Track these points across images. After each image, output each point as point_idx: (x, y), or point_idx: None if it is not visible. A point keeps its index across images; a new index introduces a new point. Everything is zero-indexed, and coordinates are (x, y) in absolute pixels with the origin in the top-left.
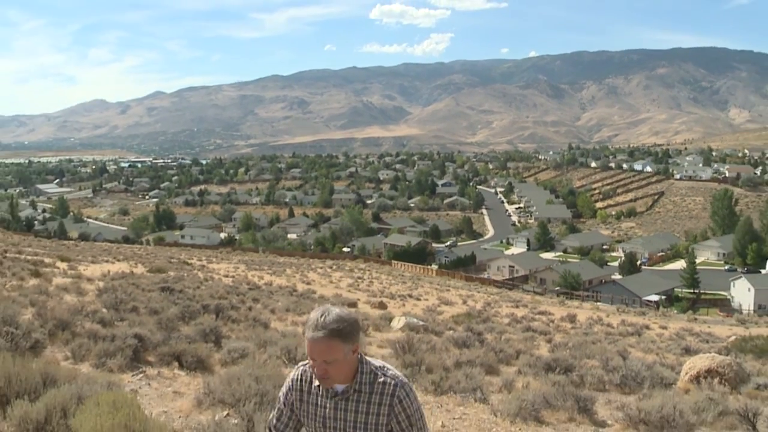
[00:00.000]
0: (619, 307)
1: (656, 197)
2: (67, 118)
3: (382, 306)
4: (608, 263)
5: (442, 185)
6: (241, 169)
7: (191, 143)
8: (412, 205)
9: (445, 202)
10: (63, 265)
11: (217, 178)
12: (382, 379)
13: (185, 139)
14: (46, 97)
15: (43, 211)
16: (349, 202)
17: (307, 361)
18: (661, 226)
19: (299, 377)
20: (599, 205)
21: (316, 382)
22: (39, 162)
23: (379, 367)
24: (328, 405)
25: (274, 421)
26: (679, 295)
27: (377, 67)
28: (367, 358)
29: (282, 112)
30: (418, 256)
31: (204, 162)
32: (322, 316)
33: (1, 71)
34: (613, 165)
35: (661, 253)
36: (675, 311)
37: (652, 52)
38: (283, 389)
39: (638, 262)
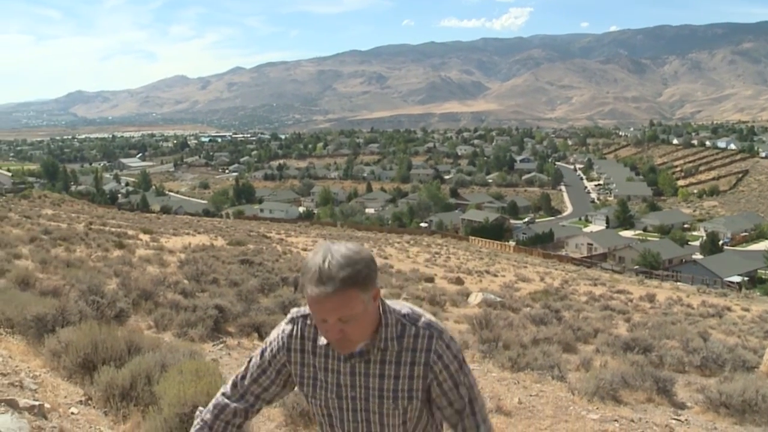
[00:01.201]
0: (700, 287)
1: (740, 176)
2: (149, 94)
3: (459, 281)
4: (689, 243)
5: (521, 161)
6: (320, 144)
7: (270, 118)
8: (490, 180)
9: (523, 178)
10: (146, 237)
11: (296, 153)
12: (413, 331)
13: (264, 114)
14: (129, 74)
15: (126, 184)
16: (427, 177)
17: (303, 309)
18: (744, 206)
19: (298, 333)
20: (681, 183)
21: (322, 340)
22: (122, 137)
23: (407, 314)
24: (342, 369)
25: (240, 379)
26: (763, 276)
27: (455, 42)
28: (389, 303)
29: (360, 87)
30: (495, 232)
31: (283, 137)
32: (324, 262)
33: (86, 49)
34: (695, 142)
35: (744, 233)
36: (758, 293)
37: (737, 26)
38: (272, 345)
39: (720, 242)
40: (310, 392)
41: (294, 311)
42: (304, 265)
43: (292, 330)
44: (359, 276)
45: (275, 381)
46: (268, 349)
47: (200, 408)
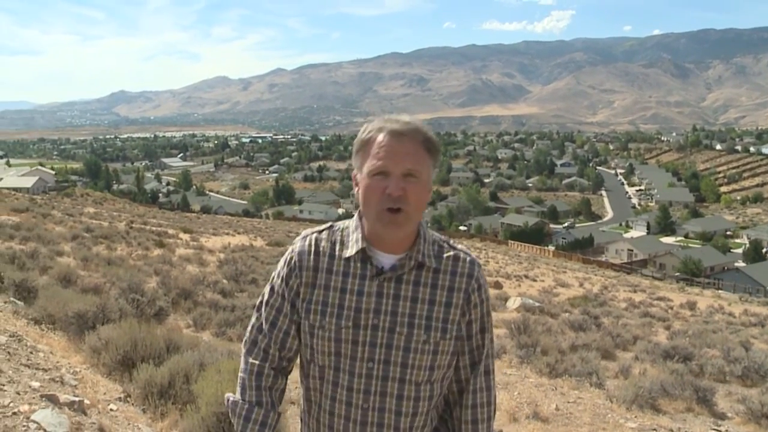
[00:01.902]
0: (742, 296)
1: None
2: (191, 94)
3: (497, 286)
4: (731, 250)
5: (561, 165)
6: None
7: (311, 119)
8: (530, 184)
9: (563, 182)
10: (185, 237)
11: (336, 155)
12: (451, 253)
13: (305, 115)
14: (171, 74)
15: (167, 184)
16: (467, 180)
17: (315, 228)
18: None
19: (311, 249)
20: (723, 189)
21: (346, 252)
22: (164, 136)
23: (443, 238)
24: (366, 289)
25: (257, 332)
26: None
27: (497, 45)
28: None
29: (401, 89)
30: (535, 236)
31: (323, 138)
32: (396, 116)
33: (129, 49)
34: (739, 148)
35: None
36: None
37: None
38: (281, 273)
39: (764, 250)
40: (317, 322)
41: (304, 232)
42: (366, 126)
43: (305, 246)
44: (434, 141)
45: (293, 319)
46: (278, 281)
47: (229, 394)
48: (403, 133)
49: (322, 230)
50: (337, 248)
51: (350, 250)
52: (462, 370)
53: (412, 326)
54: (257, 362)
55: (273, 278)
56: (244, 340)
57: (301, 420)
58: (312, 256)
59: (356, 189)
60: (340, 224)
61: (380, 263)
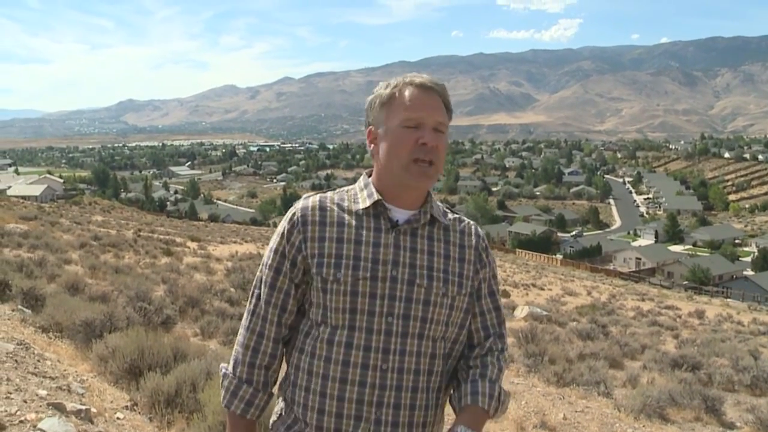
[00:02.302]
0: (751, 304)
1: None
2: (198, 103)
3: (505, 294)
4: (740, 258)
5: (569, 174)
6: (367, 155)
7: (318, 128)
8: (537, 193)
9: (571, 191)
10: (193, 245)
11: (344, 163)
12: (455, 215)
13: (313, 124)
14: (179, 83)
15: (175, 192)
16: (474, 188)
17: (316, 192)
18: None
19: (316, 205)
20: (732, 197)
21: (356, 205)
22: (172, 145)
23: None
24: (383, 241)
25: (256, 300)
26: None
27: (504, 53)
28: None
29: None
30: (542, 245)
31: (331, 147)
32: (417, 73)
33: (137, 58)
34: (747, 156)
35: None
36: None
37: None
38: (282, 233)
39: None
40: (331, 275)
41: (305, 195)
42: (388, 81)
43: (308, 202)
44: (449, 101)
45: (293, 279)
46: (277, 238)
47: (223, 365)
48: (432, 87)
49: (326, 192)
50: (346, 204)
51: (363, 204)
52: (474, 334)
53: (432, 279)
54: (254, 336)
55: (276, 236)
56: (248, 304)
57: (285, 400)
58: (318, 211)
59: (372, 146)
60: (344, 188)
61: (394, 217)
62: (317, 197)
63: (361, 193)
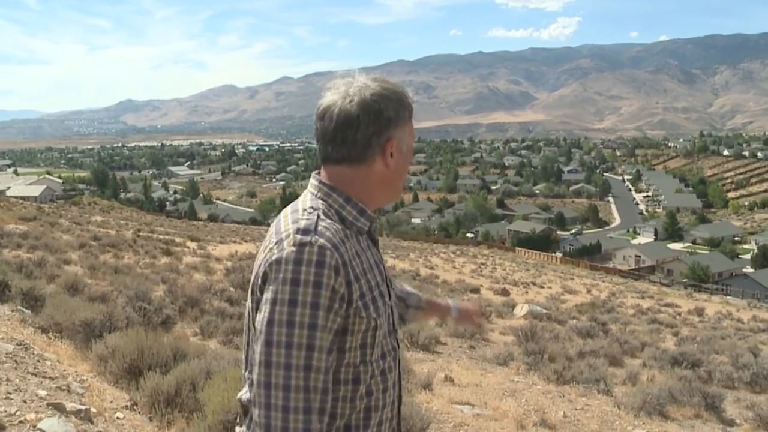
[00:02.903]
0: (750, 301)
1: None
2: (198, 103)
3: (505, 293)
4: (739, 256)
5: (568, 172)
6: None
7: None
8: (537, 191)
9: (570, 189)
10: (193, 245)
11: None
12: None
13: (312, 123)
14: (178, 83)
15: (175, 192)
16: (474, 187)
17: (313, 215)
18: None
19: (338, 236)
20: (731, 195)
21: (355, 225)
22: (171, 145)
23: None
24: (376, 258)
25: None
26: None
27: (503, 52)
28: None
29: None
30: (542, 243)
31: None
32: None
33: (136, 58)
34: (746, 153)
35: None
36: None
37: None
38: (330, 280)
39: None
40: (375, 312)
41: (301, 222)
42: (405, 91)
43: (330, 235)
44: None
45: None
46: (324, 302)
47: None
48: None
49: (318, 210)
50: (347, 224)
51: (362, 223)
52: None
53: (388, 283)
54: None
55: (306, 315)
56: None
57: None
58: (346, 244)
59: (390, 159)
60: (317, 201)
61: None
62: (327, 223)
63: (351, 209)
